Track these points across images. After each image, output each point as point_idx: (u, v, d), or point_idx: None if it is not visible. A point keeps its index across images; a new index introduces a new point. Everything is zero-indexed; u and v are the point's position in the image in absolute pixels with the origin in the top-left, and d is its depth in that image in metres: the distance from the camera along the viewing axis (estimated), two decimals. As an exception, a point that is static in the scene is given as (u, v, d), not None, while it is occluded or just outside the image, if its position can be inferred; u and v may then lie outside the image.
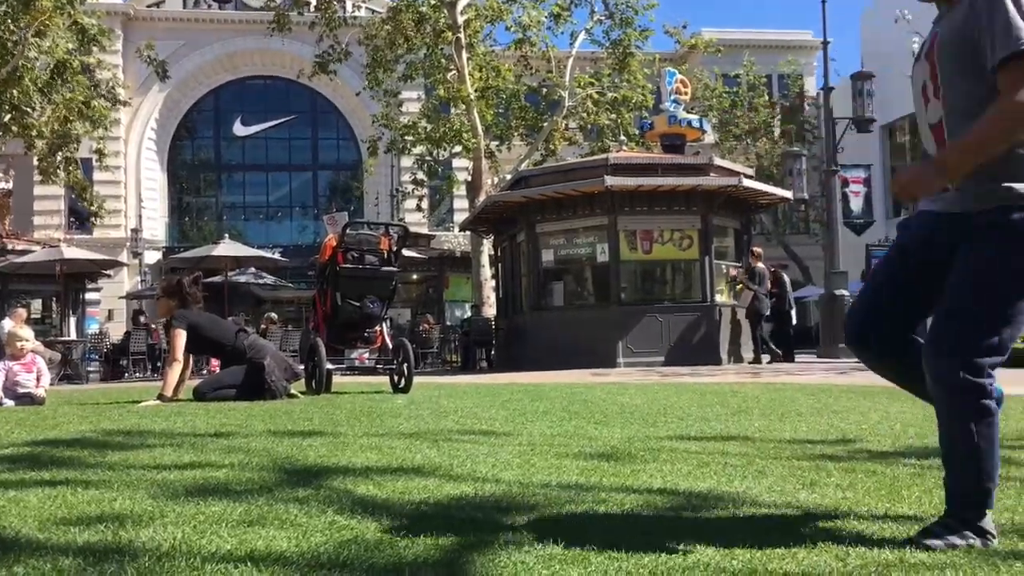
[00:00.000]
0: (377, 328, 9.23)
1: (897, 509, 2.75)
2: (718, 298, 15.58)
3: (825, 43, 19.88)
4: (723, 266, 15.91)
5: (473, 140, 22.42)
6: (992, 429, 2.34)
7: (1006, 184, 2.32)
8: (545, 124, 24.56)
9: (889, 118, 31.98)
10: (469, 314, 22.22)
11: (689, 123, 17.32)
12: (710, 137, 30.27)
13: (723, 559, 2.18)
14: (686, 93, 18.05)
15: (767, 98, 36.21)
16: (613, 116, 24.28)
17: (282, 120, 42.09)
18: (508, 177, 21.30)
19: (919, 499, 2.92)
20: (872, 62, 23.10)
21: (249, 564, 2.14)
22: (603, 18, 23.77)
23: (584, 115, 24.89)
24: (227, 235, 26.50)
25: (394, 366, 9.04)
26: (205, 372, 14.38)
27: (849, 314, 2.63)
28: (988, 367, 2.32)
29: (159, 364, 16.91)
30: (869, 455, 3.97)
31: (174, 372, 7.83)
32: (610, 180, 14.68)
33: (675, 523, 2.60)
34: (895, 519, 2.62)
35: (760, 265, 15.64)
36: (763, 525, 2.56)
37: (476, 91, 22.55)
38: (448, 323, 24.51)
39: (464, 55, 22.24)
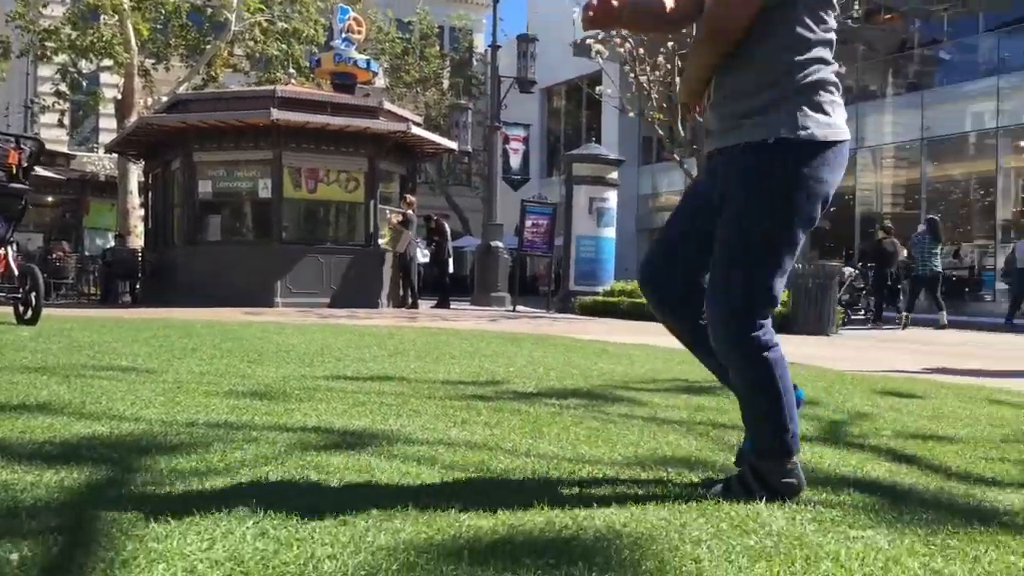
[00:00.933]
0: (0, 251, 8.23)
1: (538, 447, 2.92)
2: (380, 242, 15.70)
3: (495, 2, 20.53)
4: (387, 211, 16.04)
5: (125, 55, 20.55)
6: (778, 372, 2.26)
7: (742, 119, 2.25)
8: (208, 47, 23.11)
9: (549, 81, 33.85)
10: (112, 243, 20.50)
11: (356, 62, 17.09)
12: (381, 81, 30.22)
13: (366, 496, 2.17)
14: (360, 33, 17.80)
15: (438, 49, 36.79)
16: (284, 47, 23.40)
17: None
18: (164, 99, 19.82)
19: (558, 436, 3.12)
20: (537, 26, 24.29)
21: None
22: (277, -57, 22.72)
23: (252, 43, 23.73)
24: None
25: (19, 295, 8.12)
26: None
27: (643, 259, 2.50)
28: (759, 315, 2.23)
29: None
30: (515, 396, 4.19)
31: None
32: (277, 114, 14.16)
33: (326, 461, 2.56)
34: (536, 455, 2.77)
35: (411, 212, 15.95)
36: (413, 459, 2.60)
37: (131, 0, 20.66)
38: (87, 253, 22.46)
39: (119, -41, 20.22)
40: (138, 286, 17.84)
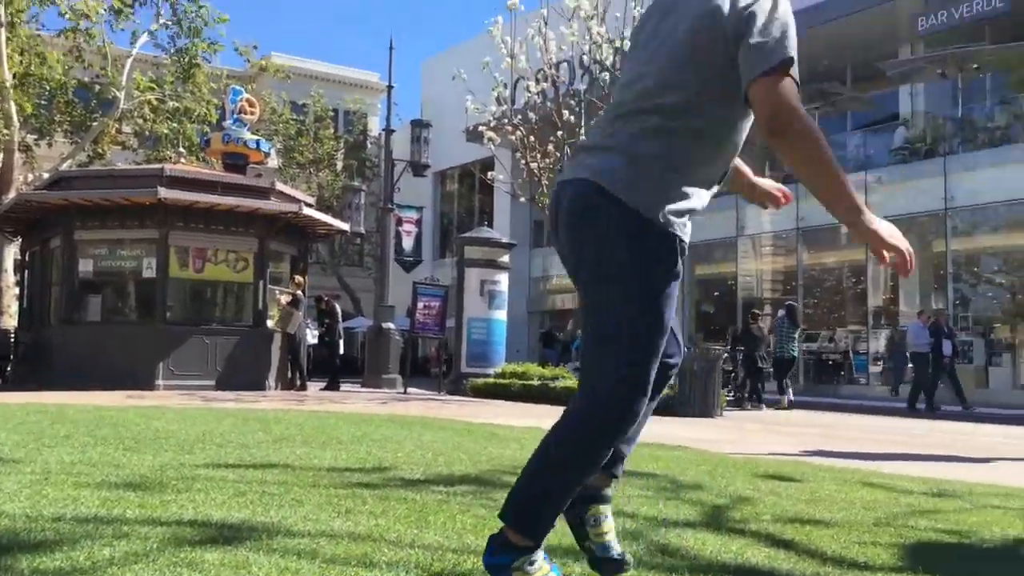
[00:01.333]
0: None
1: (423, 537, 2.88)
2: (269, 323, 15.41)
3: (390, 88, 20.80)
4: (276, 291, 15.79)
5: (6, 131, 19.92)
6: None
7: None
8: (95, 123, 22.62)
9: (443, 165, 34.30)
10: (-17, 324, 19.51)
11: (248, 143, 16.98)
12: (273, 161, 30.04)
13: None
14: (252, 113, 17.72)
15: (332, 131, 36.91)
16: (175, 125, 23.09)
17: None
18: (46, 175, 19.20)
19: (444, 525, 3.08)
20: (431, 111, 24.68)
21: None
22: (169, 23, 22.57)
23: (141, 120, 23.35)
24: None
25: None
26: None
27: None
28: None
29: None
30: (402, 483, 4.13)
31: None
32: (164, 192, 13.87)
33: (201, 557, 2.47)
34: (421, 547, 2.73)
35: (299, 293, 15.79)
36: (293, 553, 2.53)
37: (15, 76, 20.13)
38: (-45, 333, 21.30)
39: (2, 34, 19.74)
40: (9, 368, 16.98)
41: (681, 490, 4.29)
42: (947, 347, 16.20)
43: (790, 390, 16.10)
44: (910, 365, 18.17)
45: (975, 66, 20.60)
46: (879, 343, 22.20)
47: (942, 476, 5.25)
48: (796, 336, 16.60)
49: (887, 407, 16.54)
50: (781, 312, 16.89)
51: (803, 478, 4.91)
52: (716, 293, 28.12)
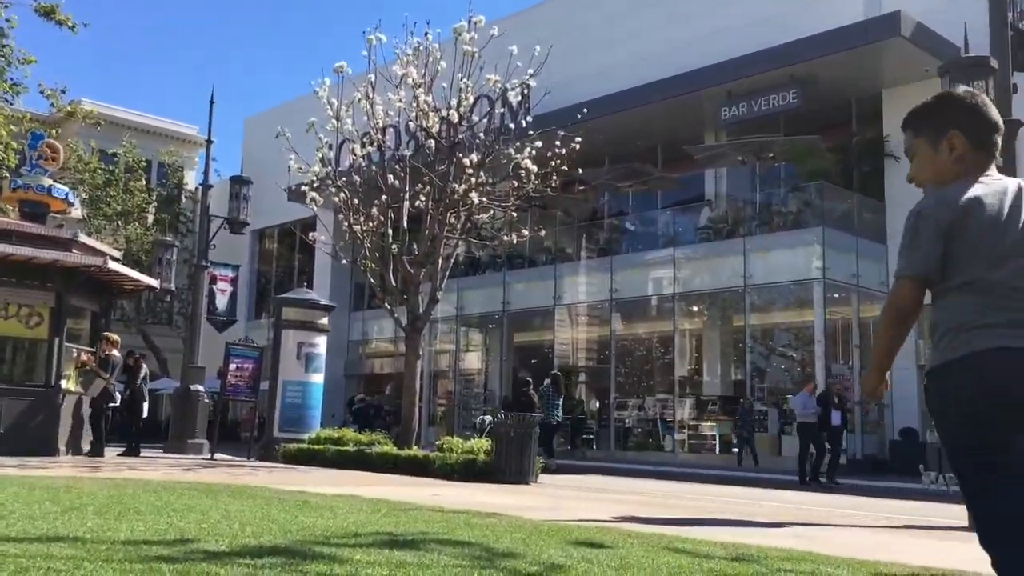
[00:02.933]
0: None
1: (228, 611, 2.73)
2: (63, 383, 14.37)
3: (209, 142, 20.24)
4: (74, 349, 14.79)
5: None
6: None
7: None
8: None
9: (261, 224, 33.52)
10: None
11: (49, 191, 15.98)
12: (77, 211, 28.42)
13: None
14: (55, 160, 16.71)
15: (144, 183, 35.40)
16: (-34, 169, 21.46)
17: None
18: None
19: (250, 600, 2.94)
20: (252, 168, 24.13)
21: None
22: (-33, 60, 21.12)
23: (-72, 162, 21.58)
24: None
25: None
26: None
27: None
28: None
29: None
30: (205, 556, 3.92)
31: None
32: (-50, 239, 12.82)
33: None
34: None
35: (115, 353, 14.89)
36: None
37: None
38: None
39: None
40: None
41: (495, 558, 4.29)
42: (836, 417, 15.99)
43: (553, 458, 16.70)
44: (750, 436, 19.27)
45: (771, 155, 22.31)
46: (685, 411, 23.19)
47: (741, 541, 5.50)
48: (560, 403, 18.24)
49: (695, 474, 17.23)
50: (547, 381, 18.31)
51: (613, 544, 5.02)
52: (533, 360, 28.64)
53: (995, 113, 2.60)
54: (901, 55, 19.79)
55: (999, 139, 2.58)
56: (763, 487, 14.14)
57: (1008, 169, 8.12)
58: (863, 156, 22.79)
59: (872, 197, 21.92)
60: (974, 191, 2.44)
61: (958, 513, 7.67)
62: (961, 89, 2.70)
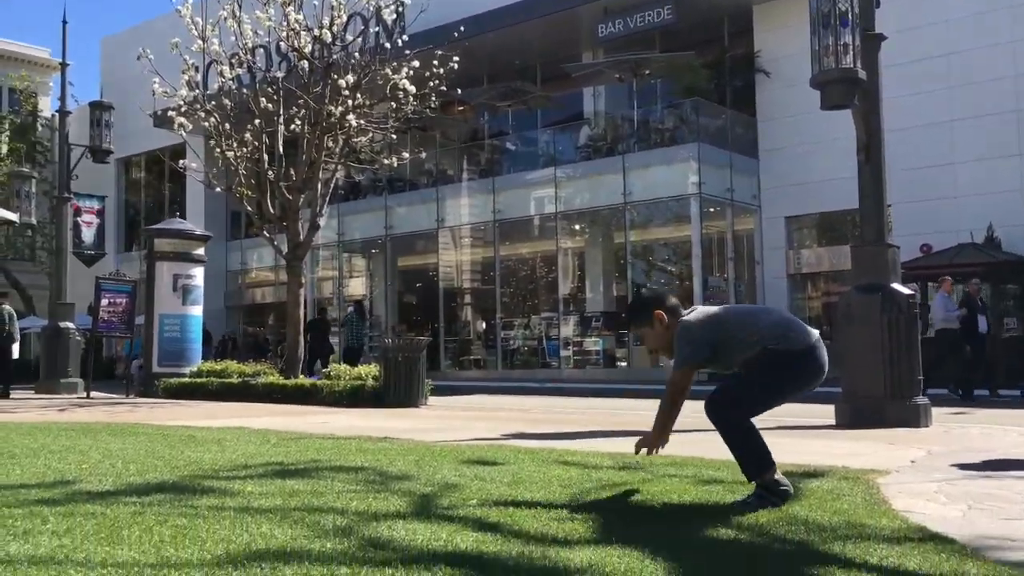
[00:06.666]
0: None
1: (116, 554, 2.66)
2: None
3: (64, 65, 19.05)
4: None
5: None
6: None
7: None
8: None
9: (126, 152, 31.92)
10: None
11: None
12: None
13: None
14: None
15: (-5, 111, 33.21)
16: None
17: None
18: None
19: (139, 539, 2.87)
20: (112, 93, 22.85)
21: None
22: None
23: None
24: None
25: None
26: None
27: None
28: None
29: None
30: (89, 496, 3.80)
31: None
32: None
33: None
34: (114, 565, 2.53)
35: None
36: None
37: None
38: None
39: None
40: None
41: (389, 481, 4.31)
42: (982, 323, 13.68)
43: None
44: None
45: (647, 72, 22.48)
46: (569, 328, 23.63)
47: (627, 451, 5.68)
48: (365, 328, 20.71)
49: (581, 388, 17.65)
50: (350, 308, 20.52)
51: (505, 461, 5.11)
52: (418, 284, 28.55)
53: None
54: (771, -29, 20.11)
55: None
56: (647, 398, 14.61)
57: (872, 81, 8.44)
58: (735, 72, 23.23)
59: (744, 112, 22.45)
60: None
61: (827, 412, 8.13)
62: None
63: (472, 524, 3.17)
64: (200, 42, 14.08)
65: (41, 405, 12.69)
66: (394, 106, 14.20)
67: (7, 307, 15.68)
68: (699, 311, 3.87)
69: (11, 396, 14.83)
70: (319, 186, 14.29)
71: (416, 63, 14.07)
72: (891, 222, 9.51)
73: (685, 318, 3.81)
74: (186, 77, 14.34)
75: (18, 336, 15.75)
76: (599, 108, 24.62)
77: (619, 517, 3.42)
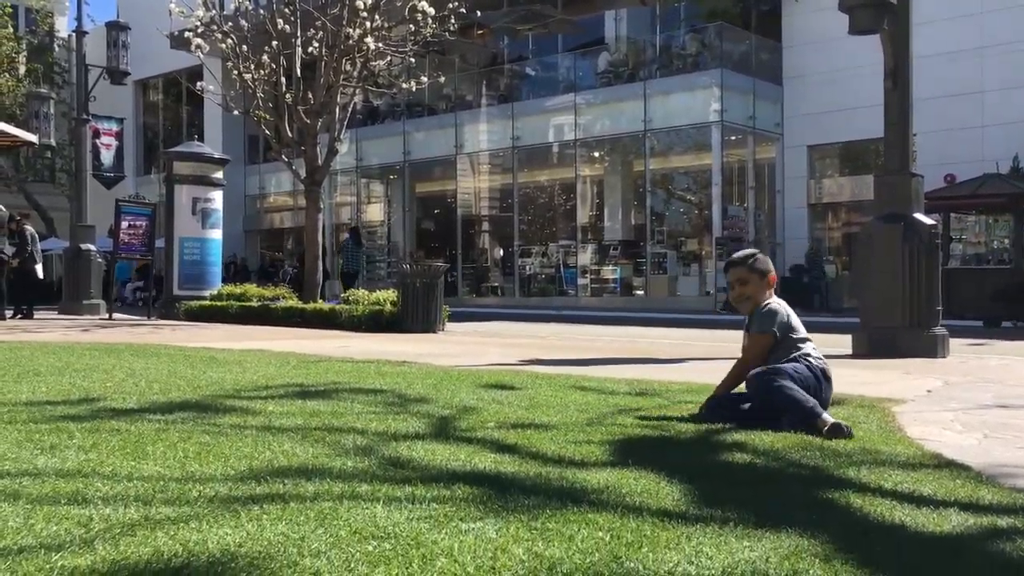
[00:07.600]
0: None
1: (141, 469, 2.72)
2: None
3: (80, -17, 18.82)
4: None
5: None
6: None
7: None
8: None
9: (144, 73, 31.75)
10: None
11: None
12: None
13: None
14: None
15: (12, 31, 32.92)
16: None
17: None
18: None
19: (164, 454, 2.93)
20: (128, 13, 22.63)
21: None
22: None
23: None
24: None
25: None
26: None
27: None
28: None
29: None
30: (113, 413, 3.87)
31: None
32: None
33: None
34: (140, 479, 2.58)
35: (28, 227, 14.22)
36: (-6, 499, 2.30)
37: None
38: None
39: None
40: None
41: (408, 404, 4.36)
42: None
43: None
44: None
45: (672, -6, 22.03)
46: (587, 257, 23.61)
47: (644, 377, 5.72)
48: (361, 254, 21.26)
49: (598, 316, 17.71)
50: (345, 235, 20.94)
51: (522, 386, 5.16)
52: (436, 210, 28.53)
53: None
54: None
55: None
56: (663, 326, 14.65)
57: (902, 5, 8.22)
58: (761, -4, 22.72)
59: (770, 37, 21.99)
60: None
61: (845, 342, 8.14)
62: None
63: (490, 445, 3.21)
64: (216, -40, 13.86)
65: (64, 326, 12.86)
66: (412, 29, 13.99)
67: (29, 228, 15.79)
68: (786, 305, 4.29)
69: (35, 316, 15.03)
70: (337, 110, 14.18)
71: (435, -16, 13.82)
72: (915, 151, 9.36)
73: (779, 301, 4.24)
74: (202, -3, 14.17)
75: (40, 258, 15.89)
76: (620, 33, 24.20)
77: (635, 441, 3.45)
